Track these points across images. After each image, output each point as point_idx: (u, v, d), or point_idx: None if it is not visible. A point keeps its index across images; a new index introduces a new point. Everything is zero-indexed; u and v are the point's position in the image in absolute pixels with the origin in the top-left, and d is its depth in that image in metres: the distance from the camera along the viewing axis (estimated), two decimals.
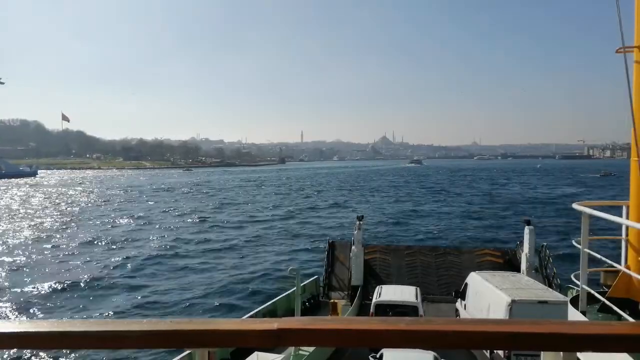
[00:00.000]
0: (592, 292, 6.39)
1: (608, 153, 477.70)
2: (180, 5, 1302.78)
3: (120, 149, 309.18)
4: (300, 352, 14.82)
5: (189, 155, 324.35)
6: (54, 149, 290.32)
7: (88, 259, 37.55)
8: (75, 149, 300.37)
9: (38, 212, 68.20)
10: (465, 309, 18.85)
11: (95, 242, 44.27)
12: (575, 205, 6.69)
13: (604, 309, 6.22)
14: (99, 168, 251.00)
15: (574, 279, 6.92)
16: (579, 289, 6.55)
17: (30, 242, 44.20)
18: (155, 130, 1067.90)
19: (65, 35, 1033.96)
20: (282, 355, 13.98)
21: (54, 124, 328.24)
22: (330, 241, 26.41)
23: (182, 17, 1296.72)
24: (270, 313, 19.59)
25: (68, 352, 18.47)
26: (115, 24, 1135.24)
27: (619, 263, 6.66)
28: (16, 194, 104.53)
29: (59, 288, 28.89)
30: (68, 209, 74.23)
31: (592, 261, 6.78)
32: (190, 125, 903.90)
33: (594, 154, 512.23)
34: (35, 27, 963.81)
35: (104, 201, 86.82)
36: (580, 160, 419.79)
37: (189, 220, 60.46)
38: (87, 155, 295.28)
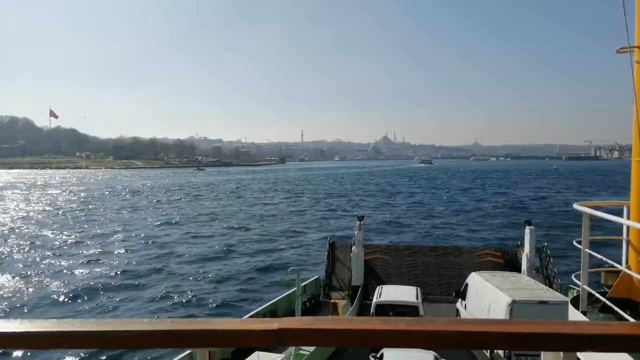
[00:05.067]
0: (593, 292, 6.39)
1: (616, 154, 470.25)
2: (180, 5, 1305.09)
3: (112, 148, 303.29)
4: (301, 352, 14.84)
5: (184, 154, 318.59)
6: (43, 147, 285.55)
7: None
8: (65, 147, 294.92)
9: None
10: (465, 309, 18.84)
11: None
12: (575, 206, 6.69)
13: (605, 309, 6.21)
14: (87, 167, 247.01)
15: (574, 279, 6.91)
16: (580, 289, 6.55)
17: None
18: (154, 130, 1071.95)
19: (65, 34, 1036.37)
20: (282, 355, 13.99)
21: (47, 122, 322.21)
22: (331, 241, 26.42)
23: (182, 17, 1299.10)
24: (271, 313, 19.60)
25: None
26: (116, 23, 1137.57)
27: (620, 263, 6.66)
28: None
29: None
30: None
31: (593, 261, 6.77)
32: (189, 125, 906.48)
33: (601, 155, 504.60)
34: (34, 27, 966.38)
35: None
36: (589, 162, 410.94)
37: None
38: (77, 154, 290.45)
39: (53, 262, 36.47)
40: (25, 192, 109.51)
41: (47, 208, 75.58)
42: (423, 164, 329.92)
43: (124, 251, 40.78)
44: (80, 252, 40.39)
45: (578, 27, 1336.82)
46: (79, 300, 27.15)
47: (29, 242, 44.32)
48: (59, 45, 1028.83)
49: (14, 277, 31.70)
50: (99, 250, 41.24)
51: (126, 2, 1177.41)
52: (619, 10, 5.89)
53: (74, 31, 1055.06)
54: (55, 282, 30.46)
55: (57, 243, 44.48)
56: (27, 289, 29.26)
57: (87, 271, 33.56)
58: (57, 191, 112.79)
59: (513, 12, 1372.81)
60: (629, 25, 6.04)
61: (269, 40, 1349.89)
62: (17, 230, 51.93)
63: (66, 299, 27.28)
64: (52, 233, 50.17)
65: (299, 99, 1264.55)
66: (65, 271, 33.76)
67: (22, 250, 40.75)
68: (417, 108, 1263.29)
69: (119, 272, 33.24)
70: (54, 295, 27.82)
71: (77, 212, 70.38)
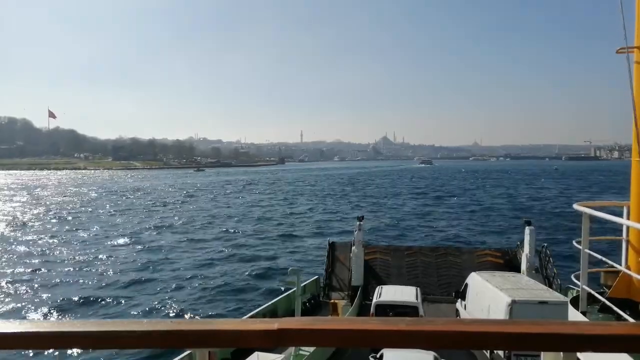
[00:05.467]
0: (593, 292, 6.39)
1: (616, 154, 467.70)
2: (180, 4, 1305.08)
3: (110, 149, 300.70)
4: (301, 352, 14.84)
5: (182, 154, 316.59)
6: (41, 148, 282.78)
7: None
8: (63, 148, 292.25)
9: None
10: (465, 309, 18.84)
11: None
12: (575, 206, 6.68)
13: (605, 309, 6.22)
14: (85, 168, 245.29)
15: (574, 279, 6.91)
16: (580, 290, 6.55)
17: None
18: (154, 130, 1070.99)
19: (65, 34, 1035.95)
20: (282, 356, 13.98)
21: (46, 123, 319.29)
22: (331, 242, 26.39)
23: (182, 17, 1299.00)
24: (271, 313, 19.59)
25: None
26: (116, 23, 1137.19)
27: (619, 263, 6.66)
28: None
29: None
30: None
31: (593, 261, 6.77)
32: (189, 125, 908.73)
33: (601, 155, 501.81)
34: (34, 27, 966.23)
35: None
36: (589, 162, 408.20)
37: None
38: (76, 155, 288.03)
39: (40, 267, 35.08)
40: (14, 194, 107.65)
41: (34, 211, 73.57)
42: (423, 165, 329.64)
43: (116, 256, 39.49)
44: (69, 258, 38.83)
45: (578, 28, 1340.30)
46: (66, 310, 25.93)
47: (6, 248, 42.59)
48: (58, 45, 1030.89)
49: None
50: (91, 256, 39.73)
51: (126, 2, 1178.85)
52: (619, 11, 5.90)
53: (74, 31, 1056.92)
54: (38, 292, 28.94)
55: (40, 249, 43.02)
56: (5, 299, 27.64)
57: (76, 279, 32.19)
58: (47, 193, 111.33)
59: (513, 12, 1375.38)
60: (628, 26, 6.05)
61: (269, 40, 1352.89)
62: None
63: (50, 310, 25.90)
64: (36, 237, 48.62)
65: (298, 99, 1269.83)
66: (49, 279, 32.12)
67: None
68: (417, 108, 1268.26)
69: (111, 278, 32.33)
70: (36, 306, 26.39)
71: (64, 215, 68.55)
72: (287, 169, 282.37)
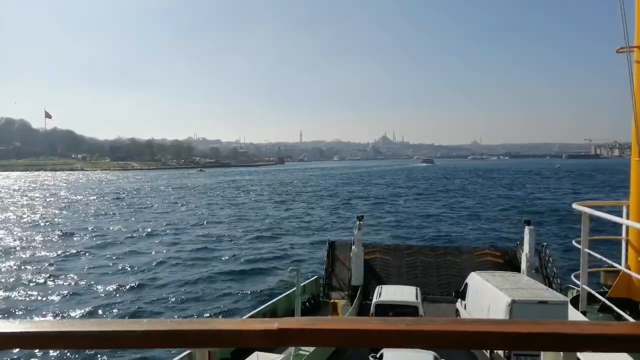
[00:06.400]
0: (593, 292, 6.38)
1: (617, 152, 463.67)
2: (180, 4, 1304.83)
3: (108, 149, 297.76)
4: (301, 352, 14.84)
5: (181, 155, 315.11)
6: (39, 148, 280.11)
7: None
8: (61, 148, 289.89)
9: None
10: (465, 309, 18.84)
11: None
12: (575, 206, 6.68)
13: (604, 309, 6.21)
14: (82, 169, 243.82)
15: (574, 279, 6.90)
16: (579, 289, 6.54)
17: None
18: (153, 131, 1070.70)
19: (65, 34, 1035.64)
20: (282, 355, 13.98)
21: (44, 124, 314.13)
22: (331, 241, 26.36)
23: (182, 17, 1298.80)
24: (271, 313, 19.60)
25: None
26: (116, 23, 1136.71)
27: (619, 263, 6.65)
28: None
29: None
30: None
31: (593, 261, 6.77)
32: (189, 125, 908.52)
33: (601, 153, 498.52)
34: (34, 27, 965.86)
35: None
36: (589, 160, 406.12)
37: None
38: (73, 156, 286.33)
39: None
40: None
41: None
42: (424, 164, 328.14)
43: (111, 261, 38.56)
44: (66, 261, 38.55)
45: (578, 27, 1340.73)
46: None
47: None
48: (58, 45, 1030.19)
49: None
50: (94, 256, 39.73)
51: (126, 2, 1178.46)
52: (619, 11, 5.89)
53: (74, 31, 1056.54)
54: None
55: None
56: None
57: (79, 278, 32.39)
58: (37, 194, 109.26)
59: (513, 12, 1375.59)
60: (628, 25, 6.05)
61: (269, 40, 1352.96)
62: None
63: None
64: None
65: (298, 99, 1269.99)
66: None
67: None
68: (417, 108, 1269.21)
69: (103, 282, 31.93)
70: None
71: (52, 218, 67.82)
72: (287, 169, 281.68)
